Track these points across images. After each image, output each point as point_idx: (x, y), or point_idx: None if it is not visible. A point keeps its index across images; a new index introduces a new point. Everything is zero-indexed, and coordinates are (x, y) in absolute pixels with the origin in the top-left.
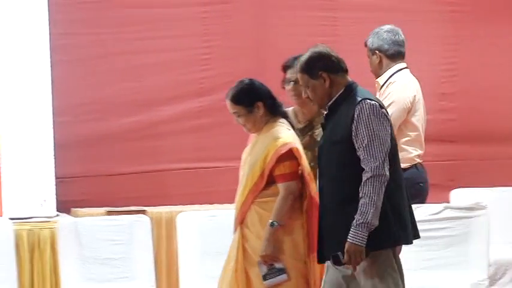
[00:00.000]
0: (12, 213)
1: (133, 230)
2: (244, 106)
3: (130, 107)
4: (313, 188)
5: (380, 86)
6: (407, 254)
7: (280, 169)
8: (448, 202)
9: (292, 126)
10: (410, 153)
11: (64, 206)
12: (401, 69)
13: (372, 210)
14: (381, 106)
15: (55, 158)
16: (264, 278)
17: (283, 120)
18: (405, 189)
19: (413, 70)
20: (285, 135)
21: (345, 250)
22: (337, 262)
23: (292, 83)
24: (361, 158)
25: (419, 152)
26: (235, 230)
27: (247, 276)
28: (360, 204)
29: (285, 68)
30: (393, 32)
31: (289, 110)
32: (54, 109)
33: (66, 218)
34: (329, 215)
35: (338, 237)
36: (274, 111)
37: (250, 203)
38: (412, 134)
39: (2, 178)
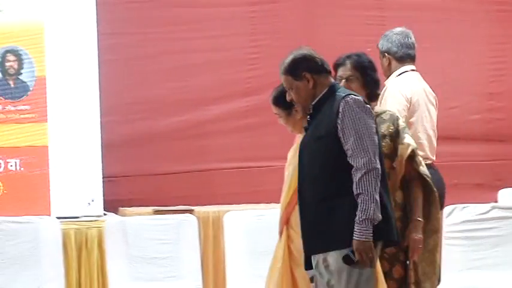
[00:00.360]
0: (60, 212)
1: (180, 230)
2: (283, 108)
3: (177, 106)
4: None
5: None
6: (454, 255)
7: None
8: (496, 202)
9: None
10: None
11: (111, 205)
12: (405, 72)
13: (372, 205)
14: (365, 102)
15: (103, 158)
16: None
17: None
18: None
19: (461, 70)
20: None
21: (354, 249)
22: (348, 262)
23: (343, 80)
24: (349, 153)
25: None
26: (281, 230)
27: (293, 276)
28: (359, 202)
29: (336, 66)
30: (403, 34)
31: None
32: (102, 109)
33: (113, 218)
34: (311, 212)
35: (322, 235)
36: None
37: (295, 204)
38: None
39: (50, 178)
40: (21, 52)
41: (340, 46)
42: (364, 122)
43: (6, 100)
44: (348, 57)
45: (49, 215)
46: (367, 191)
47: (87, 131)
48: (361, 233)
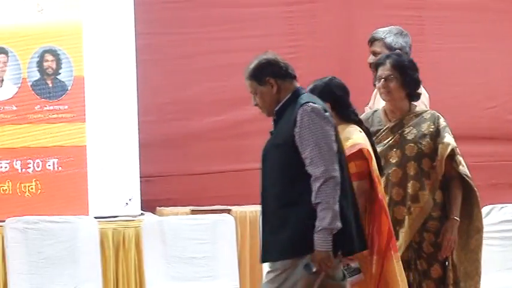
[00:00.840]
0: (97, 212)
1: (217, 229)
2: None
3: (214, 106)
4: (381, 190)
5: None
6: (492, 255)
7: (352, 168)
8: None
9: (368, 131)
10: None
11: (149, 205)
12: None
13: (330, 215)
14: (325, 110)
15: (140, 157)
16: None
17: (354, 125)
18: (352, 197)
19: (500, 69)
20: (356, 136)
21: (312, 259)
22: (308, 270)
23: (382, 80)
24: (308, 162)
25: None
26: None
27: None
28: (318, 211)
29: (377, 65)
30: (409, 36)
31: (380, 108)
32: (139, 108)
33: (150, 217)
34: (271, 219)
35: (280, 242)
36: (347, 117)
37: None
38: None
39: (88, 177)
40: (59, 52)
41: None
42: (321, 130)
43: (44, 100)
44: (388, 56)
45: (87, 215)
46: (326, 201)
47: (124, 131)
48: (320, 243)
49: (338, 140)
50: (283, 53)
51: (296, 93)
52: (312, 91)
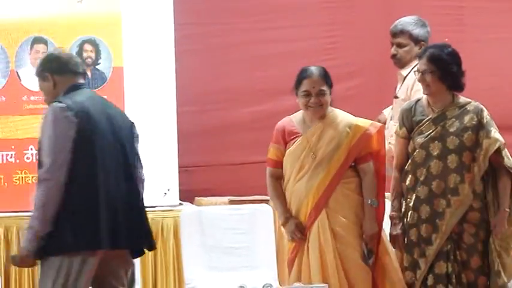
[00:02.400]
0: None
1: (255, 219)
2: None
3: (253, 96)
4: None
5: (403, 78)
6: None
7: (367, 149)
8: None
9: None
10: None
11: (187, 195)
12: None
13: (36, 215)
14: (70, 108)
15: (178, 148)
16: (369, 257)
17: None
18: (110, 194)
19: None
20: (360, 119)
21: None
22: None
23: (420, 74)
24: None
25: None
26: (313, 217)
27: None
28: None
29: (418, 58)
30: (427, 25)
31: (423, 98)
32: (178, 99)
33: (189, 207)
34: None
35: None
36: None
37: (335, 186)
38: None
39: None
40: (98, 42)
41: None
42: (54, 131)
43: None
44: (426, 50)
45: None
46: (37, 200)
47: (163, 121)
48: (24, 240)
49: (83, 141)
50: (321, 43)
51: (71, 89)
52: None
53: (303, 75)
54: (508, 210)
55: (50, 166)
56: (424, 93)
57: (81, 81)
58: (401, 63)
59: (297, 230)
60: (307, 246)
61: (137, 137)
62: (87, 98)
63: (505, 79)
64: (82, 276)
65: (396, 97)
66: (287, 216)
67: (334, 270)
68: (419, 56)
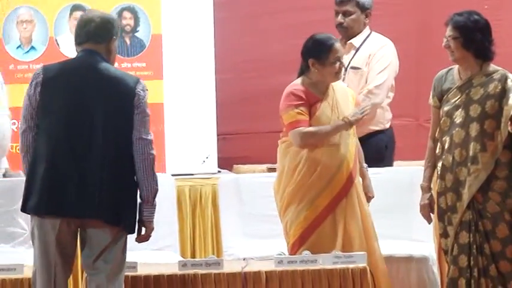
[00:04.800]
0: (175, 169)
1: None
2: None
3: (292, 64)
4: None
5: (357, 47)
6: None
7: None
8: None
9: None
10: (389, 115)
11: (226, 162)
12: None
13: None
14: (37, 74)
15: (217, 115)
16: None
17: None
18: (55, 161)
19: None
20: None
21: None
22: None
23: (445, 40)
24: None
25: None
26: (353, 179)
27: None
28: None
29: (446, 24)
30: None
31: (455, 67)
32: (217, 66)
33: (227, 175)
34: None
35: None
36: None
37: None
38: (391, 95)
39: (165, 135)
40: (137, 9)
41: (456, 3)
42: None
43: (123, 57)
44: (454, 16)
45: (164, 172)
46: None
47: (201, 89)
48: None
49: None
50: None
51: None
52: None
53: (330, 42)
54: None
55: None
56: (450, 59)
57: (83, 48)
58: (348, 32)
59: (356, 111)
60: (345, 212)
61: (136, 107)
62: (64, 65)
63: None
64: (36, 238)
65: (354, 68)
66: (345, 119)
67: (375, 237)
68: (446, 23)
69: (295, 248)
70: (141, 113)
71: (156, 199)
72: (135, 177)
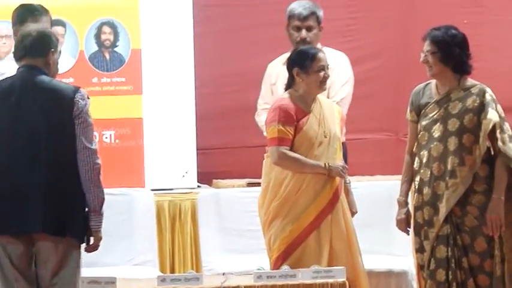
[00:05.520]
0: (154, 184)
1: None
2: None
3: None
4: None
5: None
6: None
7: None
8: None
9: None
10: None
11: (205, 177)
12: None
13: None
14: None
15: (197, 130)
16: None
17: None
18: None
19: None
20: None
21: None
22: None
23: (423, 55)
24: None
25: None
26: (339, 194)
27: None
28: None
29: (423, 40)
30: None
31: (432, 82)
32: (196, 81)
33: (207, 190)
34: None
35: None
36: None
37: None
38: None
39: (145, 150)
40: (116, 24)
41: (436, 17)
42: None
43: (102, 72)
44: (431, 31)
45: (143, 187)
46: None
47: (181, 103)
48: None
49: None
50: (342, 24)
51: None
52: None
53: (312, 52)
54: (501, 198)
55: None
56: (428, 74)
57: (22, 63)
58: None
59: (342, 166)
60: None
61: (77, 117)
62: (1, 83)
63: None
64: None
65: None
66: (327, 165)
67: (359, 253)
68: (424, 38)
69: (278, 262)
70: (82, 123)
71: (136, 214)
72: (81, 187)
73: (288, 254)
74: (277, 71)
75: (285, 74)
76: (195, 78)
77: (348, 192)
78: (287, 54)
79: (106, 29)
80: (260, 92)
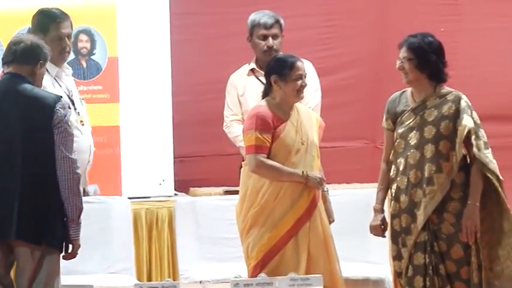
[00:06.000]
0: (131, 192)
1: None
2: None
3: None
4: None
5: None
6: None
7: (319, 138)
8: None
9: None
10: None
11: (182, 185)
12: None
13: None
14: None
15: (174, 138)
16: None
17: None
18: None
19: None
20: None
21: None
22: None
23: (399, 62)
24: None
25: None
26: (316, 201)
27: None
28: None
29: (399, 47)
30: None
31: (408, 90)
32: (173, 89)
33: (184, 198)
34: None
35: None
36: None
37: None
38: None
39: (122, 158)
40: (93, 32)
41: (413, 25)
42: None
43: (79, 80)
44: (408, 38)
45: (120, 195)
46: None
47: (158, 111)
48: None
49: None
50: (318, 33)
51: None
52: None
53: (291, 60)
54: (476, 204)
55: None
56: (403, 81)
57: (8, 69)
58: (274, 55)
59: (320, 177)
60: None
61: (56, 126)
62: None
63: (501, 68)
64: None
65: None
66: (305, 173)
67: (337, 260)
68: (400, 45)
69: (256, 270)
70: (62, 132)
71: (112, 222)
72: (59, 196)
73: (265, 262)
74: (243, 82)
75: (252, 85)
76: (172, 86)
77: (325, 200)
78: (248, 66)
79: (83, 37)
80: (225, 104)
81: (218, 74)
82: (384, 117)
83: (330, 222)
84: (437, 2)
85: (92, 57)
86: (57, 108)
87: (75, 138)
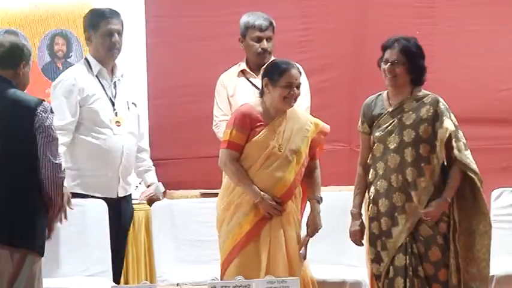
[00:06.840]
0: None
1: None
2: None
3: None
4: None
5: None
6: (502, 238)
7: (318, 146)
8: None
9: None
10: None
11: None
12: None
13: None
14: None
15: (150, 141)
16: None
17: None
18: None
19: None
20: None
21: None
22: None
23: (389, 64)
24: None
25: None
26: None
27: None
28: None
29: (385, 48)
30: None
31: (384, 93)
32: (149, 92)
33: (160, 201)
34: None
35: None
36: None
37: (299, 179)
38: None
39: None
40: (69, 35)
41: (390, 28)
42: None
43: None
44: (397, 40)
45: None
46: None
47: None
48: None
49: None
50: (295, 35)
51: None
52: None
53: (284, 66)
54: (448, 199)
55: None
56: (389, 84)
57: None
58: (269, 58)
59: (276, 205)
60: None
61: (38, 130)
62: None
63: (478, 71)
64: None
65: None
66: (262, 194)
67: (298, 262)
68: (388, 46)
69: (223, 268)
70: (46, 137)
71: (89, 224)
72: (40, 200)
73: (229, 260)
74: (233, 83)
75: (242, 86)
76: (147, 89)
77: (312, 209)
78: (239, 67)
79: (59, 39)
80: (214, 103)
81: (194, 76)
82: (360, 121)
83: (312, 231)
84: (413, 5)
85: (68, 59)
86: (38, 111)
87: (104, 137)
